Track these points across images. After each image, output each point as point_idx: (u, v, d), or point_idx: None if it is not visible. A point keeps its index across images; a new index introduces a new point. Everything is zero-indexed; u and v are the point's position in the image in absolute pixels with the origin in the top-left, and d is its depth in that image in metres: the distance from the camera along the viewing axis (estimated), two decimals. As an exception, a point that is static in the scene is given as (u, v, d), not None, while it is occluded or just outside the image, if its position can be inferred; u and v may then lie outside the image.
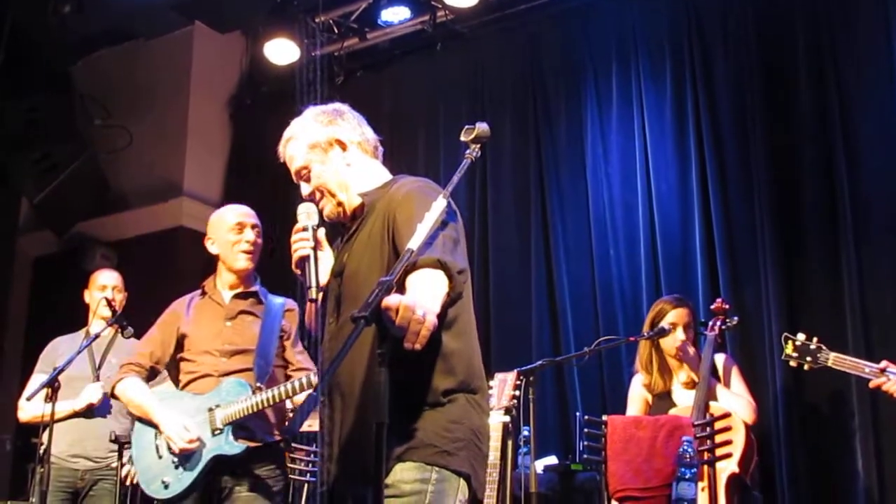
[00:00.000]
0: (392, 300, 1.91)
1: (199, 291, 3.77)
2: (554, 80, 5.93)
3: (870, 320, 4.56)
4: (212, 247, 3.72)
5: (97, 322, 4.71)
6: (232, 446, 3.41)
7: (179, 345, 3.67)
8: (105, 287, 4.75)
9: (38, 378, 4.55)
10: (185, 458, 3.42)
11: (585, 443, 3.91)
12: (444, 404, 2.24)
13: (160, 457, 3.48)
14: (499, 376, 3.87)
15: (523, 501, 3.84)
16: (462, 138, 2.34)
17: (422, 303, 1.94)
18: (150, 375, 3.69)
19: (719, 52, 5.30)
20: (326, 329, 2.44)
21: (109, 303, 4.67)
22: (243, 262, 3.65)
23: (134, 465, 3.58)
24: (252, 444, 3.45)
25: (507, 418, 3.72)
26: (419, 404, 2.22)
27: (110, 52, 7.30)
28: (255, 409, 3.41)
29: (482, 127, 2.33)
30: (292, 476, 4.40)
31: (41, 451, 4.14)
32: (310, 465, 4.33)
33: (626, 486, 3.84)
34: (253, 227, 3.66)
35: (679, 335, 4.20)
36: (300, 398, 3.49)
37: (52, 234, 7.03)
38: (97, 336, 4.49)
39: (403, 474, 2.18)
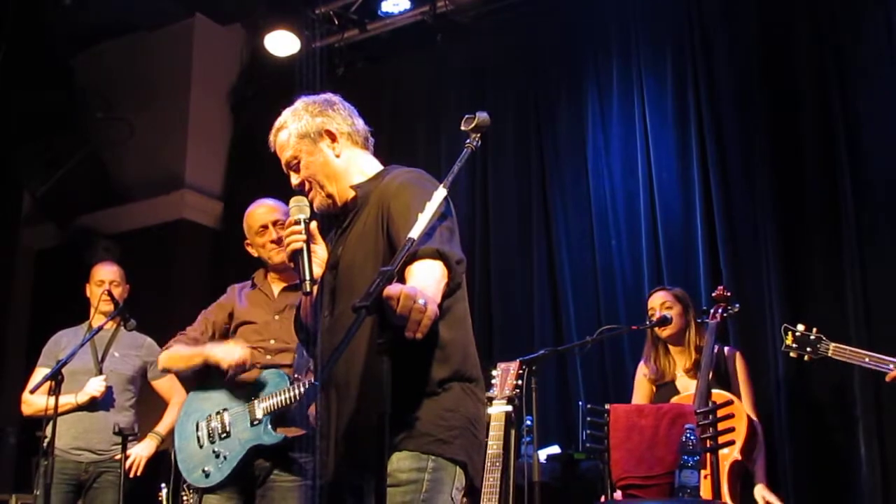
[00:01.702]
0: (393, 289, 1.91)
1: (249, 282, 3.79)
2: (554, 69, 5.92)
3: (871, 308, 4.56)
4: (251, 250, 3.77)
5: (98, 316, 4.71)
6: (270, 436, 3.44)
7: (230, 328, 3.68)
8: (103, 282, 4.74)
9: (41, 372, 4.56)
10: (225, 447, 3.47)
11: (588, 431, 3.92)
12: (439, 393, 2.24)
13: (201, 446, 3.53)
14: (501, 366, 3.87)
15: (526, 491, 3.84)
16: (462, 127, 2.34)
17: (423, 292, 1.95)
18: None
19: (721, 40, 5.28)
20: (321, 322, 2.44)
21: (112, 296, 4.68)
22: (277, 258, 3.66)
23: (175, 453, 3.61)
24: (290, 435, 3.47)
25: (510, 408, 3.72)
26: (415, 394, 2.22)
27: (111, 44, 7.30)
28: (290, 402, 3.44)
29: (482, 116, 2.33)
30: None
31: (45, 445, 4.17)
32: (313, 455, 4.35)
33: (629, 474, 3.85)
34: (275, 223, 3.66)
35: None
36: None
37: (54, 226, 7.04)
38: (100, 329, 4.50)
39: (400, 464, 2.18)
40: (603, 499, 3.98)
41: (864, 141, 4.76)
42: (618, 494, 3.90)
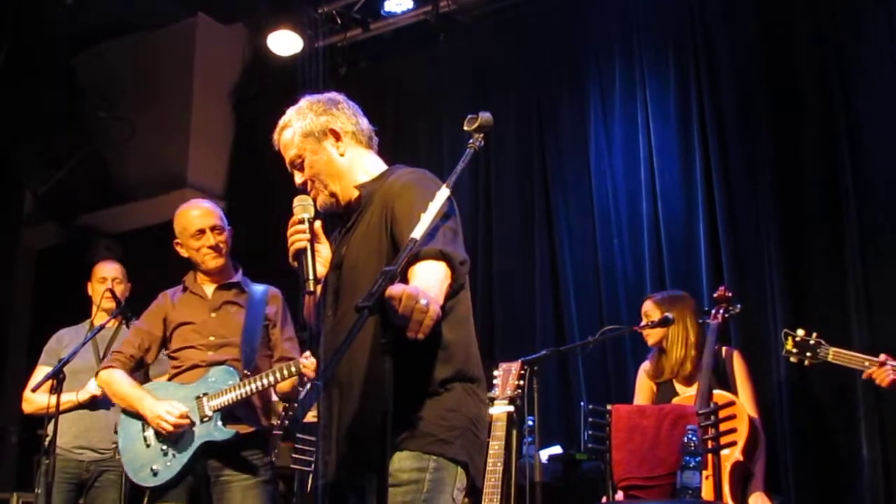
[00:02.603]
0: (395, 289, 1.91)
1: (180, 287, 3.79)
2: (557, 69, 5.92)
3: (873, 307, 4.55)
4: (181, 250, 3.75)
5: (100, 314, 4.71)
6: (221, 432, 3.45)
7: (168, 336, 3.69)
8: (105, 279, 4.75)
9: (42, 370, 4.56)
10: (174, 445, 3.46)
11: (590, 432, 3.92)
12: (440, 393, 2.25)
13: (148, 446, 3.51)
14: (503, 366, 3.87)
15: (528, 491, 3.84)
16: (465, 128, 2.34)
17: (425, 293, 1.95)
18: (137, 366, 3.70)
19: (723, 40, 5.28)
20: (325, 322, 2.44)
21: (114, 294, 4.67)
22: (212, 263, 3.69)
23: (121, 455, 3.60)
24: (241, 431, 3.49)
25: (512, 408, 3.72)
26: (417, 394, 2.22)
27: (113, 43, 7.30)
28: (243, 397, 3.46)
29: (485, 116, 2.33)
30: (296, 466, 4.43)
31: (46, 443, 4.16)
32: (314, 455, 4.35)
33: (630, 474, 3.85)
34: (213, 228, 3.66)
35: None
36: (285, 385, 3.55)
37: (55, 225, 7.05)
38: (101, 328, 4.50)
39: (401, 463, 2.18)
40: (604, 499, 3.98)
41: (865, 140, 4.75)
42: (619, 495, 3.90)
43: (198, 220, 3.67)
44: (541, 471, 3.84)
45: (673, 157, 5.30)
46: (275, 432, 4.28)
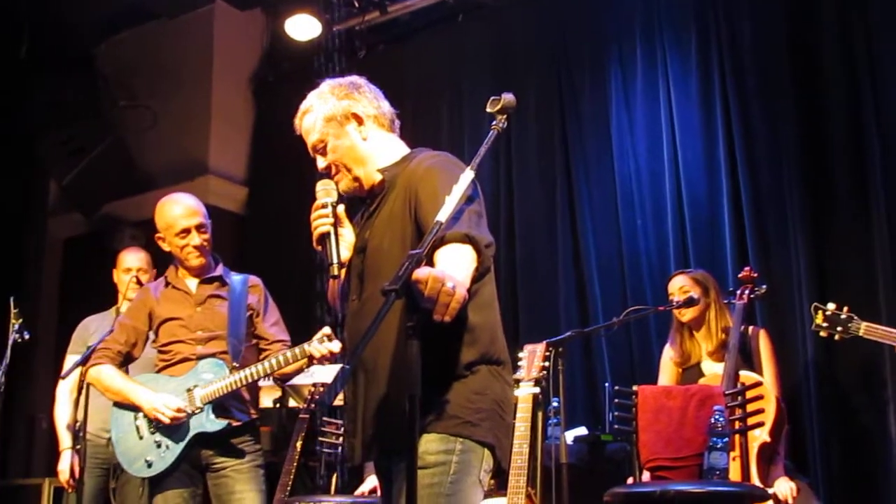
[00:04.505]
0: (422, 272, 1.91)
1: (161, 281, 3.81)
2: (578, 49, 5.87)
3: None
4: (163, 245, 3.76)
5: (126, 303, 4.73)
6: (213, 423, 3.49)
7: (155, 331, 3.71)
8: (129, 270, 4.77)
9: (72, 359, 4.60)
10: (167, 436, 3.50)
11: (616, 413, 3.92)
12: (466, 376, 2.25)
13: (141, 437, 3.54)
14: (528, 348, 3.87)
15: (554, 472, 3.84)
16: (488, 109, 2.33)
17: (452, 276, 1.94)
18: (125, 361, 3.71)
19: (745, 18, 5.21)
20: (349, 306, 2.44)
21: (139, 283, 4.70)
22: (195, 262, 3.70)
23: (114, 447, 3.63)
24: (232, 423, 3.54)
25: (537, 389, 3.72)
26: (442, 376, 2.22)
27: (132, 32, 7.33)
28: (232, 388, 3.50)
29: (508, 97, 2.32)
30: (323, 449, 4.46)
31: (76, 430, 4.21)
32: (340, 438, 4.37)
33: (657, 455, 3.84)
34: (198, 227, 3.67)
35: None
36: (291, 368, 3.55)
37: (80, 215, 7.11)
38: (127, 315, 4.53)
39: (428, 446, 2.19)
40: (630, 480, 3.98)
41: (893, 116, 4.68)
42: (646, 476, 3.89)
43: (183, 219, 3.66)
44: (566, 452, 3.83)
45: (696, 136, 5.25)
46: (301, 416, 4.32)
